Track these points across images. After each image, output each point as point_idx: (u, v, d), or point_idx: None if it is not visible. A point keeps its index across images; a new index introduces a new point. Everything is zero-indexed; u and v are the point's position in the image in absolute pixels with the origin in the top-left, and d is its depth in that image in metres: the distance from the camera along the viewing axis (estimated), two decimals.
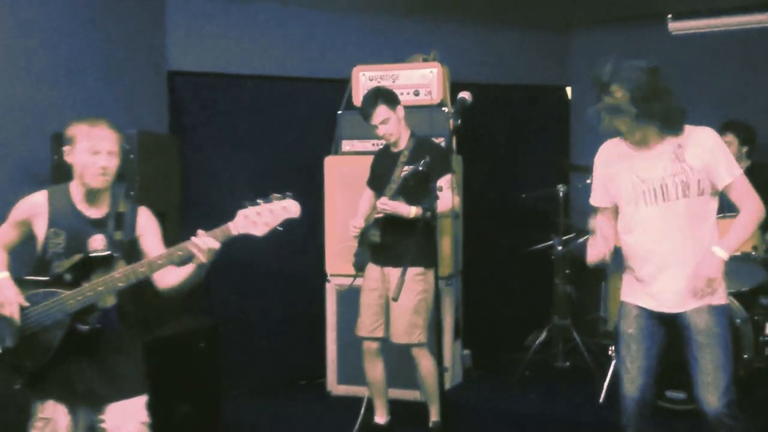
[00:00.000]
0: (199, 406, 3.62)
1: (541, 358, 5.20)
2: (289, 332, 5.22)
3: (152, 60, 4.81)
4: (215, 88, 5.15)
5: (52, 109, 3.82)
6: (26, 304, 2.52)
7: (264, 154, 5.13)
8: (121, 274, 2.50)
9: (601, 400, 4.55)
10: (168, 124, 4.93)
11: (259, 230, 2.43)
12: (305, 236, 4.97)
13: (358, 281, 4.13)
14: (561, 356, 5.28)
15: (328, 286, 4.85)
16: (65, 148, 2.62)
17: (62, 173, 3.34)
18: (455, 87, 4.44)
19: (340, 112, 4.91)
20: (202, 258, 2.43)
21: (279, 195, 2.47)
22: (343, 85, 4.95)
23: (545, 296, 5.37)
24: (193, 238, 2.44)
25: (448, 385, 4.73)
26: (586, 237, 5.18)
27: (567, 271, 5.23)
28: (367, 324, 4.03)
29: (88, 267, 2.54)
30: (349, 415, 4.20)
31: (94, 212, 2.63)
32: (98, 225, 2.61)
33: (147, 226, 2.71)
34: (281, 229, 2.46)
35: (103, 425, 2.58)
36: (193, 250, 2.43)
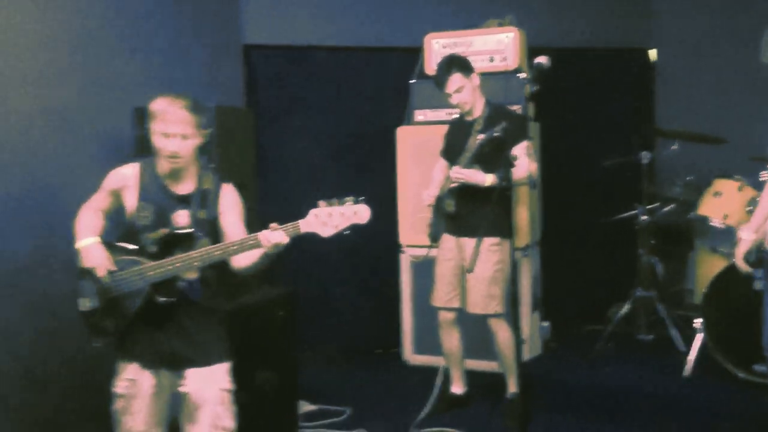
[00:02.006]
0: (277, 374, 3.68)
1: (623, 330, 5.06)
2: (364, 302, 5.26)
3: (228, 34, 4.87)
4: (289, 61, 5.18)
5: (132, 84, 3.90)
6: (114, 268, 2.59)
7: (336, 125, 5.14)
8: (198, 254, 2.55)
9: (686, 374, 4.40)
10: (244, 98, 4.98)
11: (327, 232, 2.47)
12: (378, 207, 4.95)
13: (433, 252, 4.10)
14: (644, 329, 5.13)
15: (402, 256, 4.83)
16: (149, 125, 2.65)
17: (144, 147, 3.43)
18: (532, 52, 4.31)
19: (412, 81, 4.84)
20: (269, 250, 2.49)
21: (352, 198, 2.49)
22: (415, 53, 4.88)
23: (628, 267, 5.21)
24: (264, 231, 2.48)
25: (526, 357, 4.67)
26: (672, 206, 4.99)
27: (652, 242, 5.05)
28: (443, 294, 4.00)
29: (172, 242, 2.61)
30: (425, 385, 4.20)
31: (180, 187, 2.68)
32: (183, 201, 2.66)
33: (229, 204, 2.74)
34: (348, 233, 2.49)
35: (183, 389, 2.65)
36: (261, 242, 2.48)
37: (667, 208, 5.01)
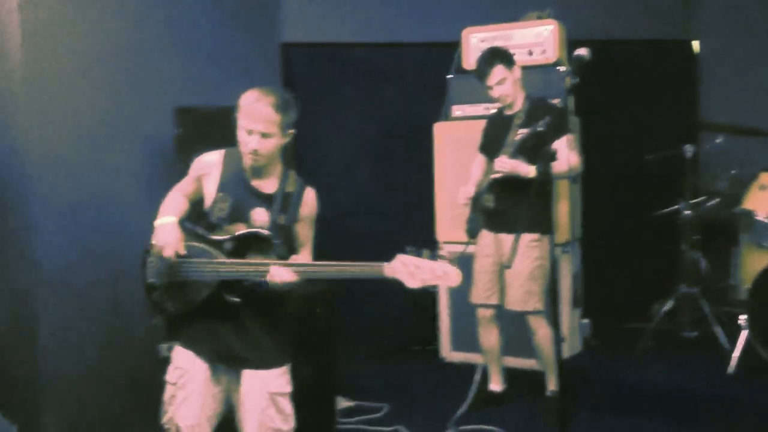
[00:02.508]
0: (316, 370, 3.70)
1: (666, 327, 4.97)
2: (401, 299, 5.23)
3: (266, 33, 4.90)
4: (326, 58, 5.19)
5: (172, 84, 3.96)
6: (184, 252, 2.51)
7: (374, 122, 5.14)
8: (272, 270, 2.43)
9: (730, 371, 4.31)
10: None
11: (412, 283, 2.35)
12: (416, 204, 4.96)
13: (471, 248, 4.07)
14: (688, 326, 5.03)
15: (439, 253, 4.80)
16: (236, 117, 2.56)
17: (185, 146, 3.48)
18: (571, 45, 4.26)
19: (449, 76, 4.81)
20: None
21: (445, 256, 2.36)
22: (452, 48, 4.85)
23: (671, 263, 5.11)
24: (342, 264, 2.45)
25: (566, 355, 4.62)
26: (716, 200, 4.89)
27: (695, 237, 4.95)
28: (481, 291, 3.97)
29: (248, 242, 2.52)
30: (462, 382, 4.18)
31: (262, 185, 2.58)
32: (264, 199, 2.57)
33: (307, 212, 2.64)
34: (433, 290, 2.38)
35: (238, 390, 2.60)
36: (357, 271, 2.47)
37: (711, 203, 4.91)
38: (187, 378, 2.57)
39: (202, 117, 3.60)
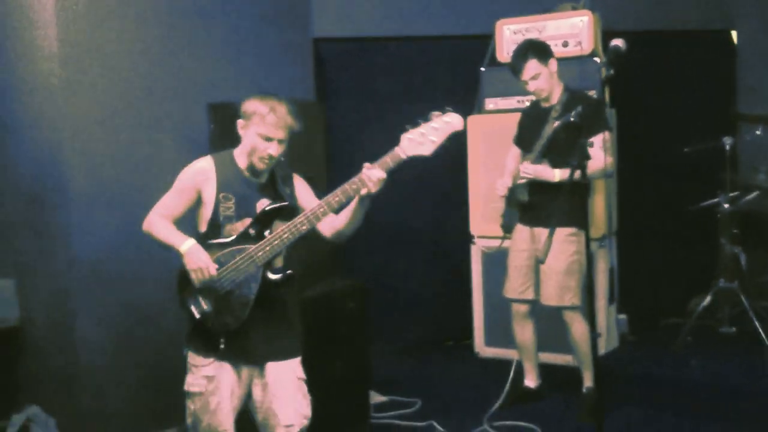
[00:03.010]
0: (349, 365, 3.71)
1: (704, 323, 4.89)
2: (435, 293, 5.24)
3: (298, 28, 4.91)
4: (358, 52, 5.18)
5: (207, 80, 3.98)
6: (216, 266, 2.56)
7: (406, 116, 5.07)
8: (303, 217, 2.54)
9: None
10: (314, 91, 5.02)
11: (428, 149, 2.45)
12: (449, 198, 4.93)
13: (506, 242, 4.04)
14: (727, 321, 4.95)
15: (473, 247, 4.79)
16: (240, 121, 2.63)
17: (220, 142, 3.50)
18: (607, 36, 4.19)
19: (483, 69, 4.78)
20: (373, 189, 2.47)
21: (438, 112, 2.46)
22: (486, 41, 4.82)
23: (709, 258, 5.02)
24: (363, 172, 2.48)
25: (602, 351, 4.56)
26: (755, 193, 4.79)
27: (734, 231, 4.85)
28: (516, 286, 3.94)
29: (268, 219, 2.60)
30: (497, 378, 4.15)
31: (258, 178, 2.69)
32: (264, 189, 2.67)
33: (303, 188, 2.78)
34: (447, 144, 2.46)
35: (263, 382, 2.66)
36: (364, 182, 2.47)
37: (750, 196, 4.81)
38: (214, 385, 2.63)
39: (236, 113, 3.60)
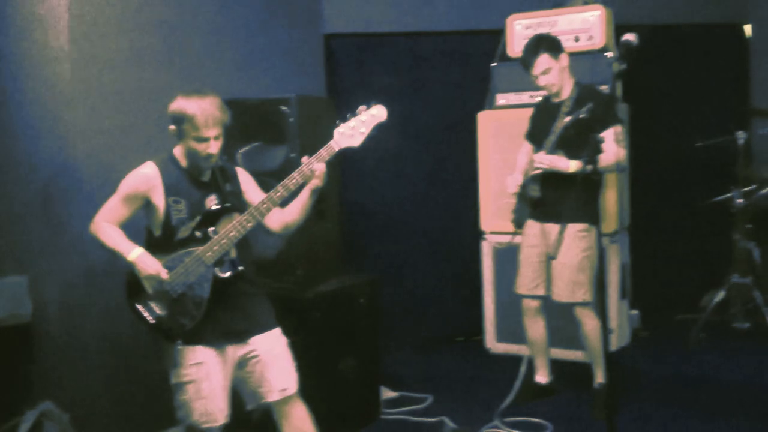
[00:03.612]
0: (359, 360, 3.71)
1: (717, 319, 4.86)
2: (445, 289, 5.23)
3: (310, 24, 4.91)
4: (369, 48, 5.18)
5: (217, 76, 3.99)
6: (166, 271, 2.65)
7: (417, 111, 5.12)
8: (248, 215, 2.64)
9: None
10: (325, 87, 5.02)
11: (357, 141, 2.67)
12: (459, 193, 4.92)
13: (517, 238, 4.02)
14: (740, 317, 4.90)
15: (483, 243, 4.78)
16: (171, 127, 2.67)
17: (232, 138, 3.49)
18: (619, 30, 4.16)
19: (494, 64, 4.76)
20: (320, 182, 2.64)
21: (364, 106, 2.68)
22: (496, 36, 4.80)
23: (722, 253, 4.99)
24: (302, 166, 2.62)
25: (614, 346, 4.55)
26: None
27: (748, 226, 4.82)
28: (527, 282, 3.93)
29: (212, 220, 2.68)
30: (507, 374, 4.14)
31: (203, 176, 2.75)
32: (210, 187, 2.73)
33: (247, 180, 2.86)
34: (374, 133, 2.68)
35: (251, 354, 2.74)
36: (309, 176, 2.62)
37: (764, 191, 4.77)
38: (204, 371, 2.69)
39: (248, 109, 3.62)
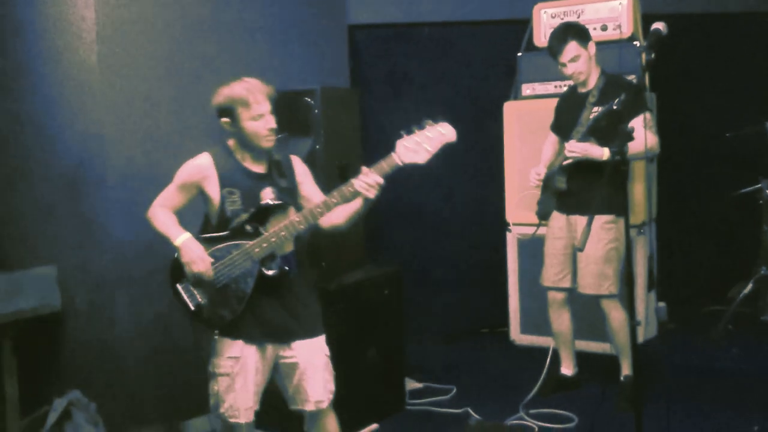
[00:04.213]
0: (384, 351, 3.72)
1: (745, 311, 4.80)
2: (469, 280, 5.22)
3: (334, 15, 4.90)
4: (393, 39, 5.17)
5: (242, 67, 3.98)
6: (211, 260, 2.64)
7: (441, 102, 5.10)
8: (301, 216, 2.60)
9: None
10: (349, 78, 5.01)
11: (422, 157, 2.52)
12: (485, 184, 4.90)
13: (542, 230, 4.00)
14: None
15: (508, 235, 4.75)
16: (224, 120, 2.65)
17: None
18: (647, 19, 4.11)
19: (520, 54, 4.72)
20: (371, 195, 2.54)
21: (432, 121, 2.54)
22: (522, 25, 4.76)
23: (751, 245, 4.92)
24: (360, 176, 2.54)
25: (640, 339, 4.50)
26: None
27: None
28: (552, 274, 3.90)
29: (265, 216, 2.65)
30: (532, 366, 4.12)
31: (258, 167, 2.72)
32: (265, 178, 2.70)
33: (303, 173, 2.82)
34: (439, 154, 2.55)
35: (291, 360, 2.72)
36: (360, 189, 2.53)
37: None
38: (241, 365, 2.68)
39: (273, 100, 3.62)
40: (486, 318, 5.14)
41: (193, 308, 2.69)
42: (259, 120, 2.61)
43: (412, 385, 4.12)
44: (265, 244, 2.61)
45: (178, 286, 2.71)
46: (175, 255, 2.69)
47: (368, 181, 2.51)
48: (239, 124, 2.63)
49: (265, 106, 2.62)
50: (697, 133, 5.13)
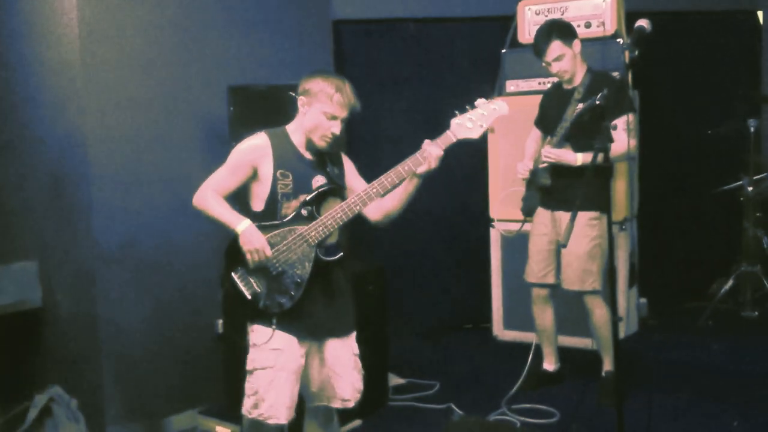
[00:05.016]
0: (367, 347, 3.70)
1: (726, 307, 4.85)
2: (453, 277, 5.23)
3: (317, 10, 4.87)
4: (378, 35, 5.14)
5: (226, 62, 3.97)
6: (269, 247, 2.56)
7: (426, 98, 5.09)
8: (357, 197, 2.57)
9: None
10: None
11: (476, 133, 2.60)
12: (469, 181, 4.90)
13: (526, 226, 4.01)
14: (749, 305, 4.90)
15: (492, 231, 4.76)
16: (302, 98, 2.62)
17: (239, 124, 3.50)
18: (630, 16, 4.13)
19: (504, 50, 4.73)
20: (433, 164, 2.56)
21: (484, 99, 2.61)
22: (507, 22, 4.76)
23: (731, 241, 4.98)
24: (423, 149, 2.55)
25: (622, 334, 4.54)
26: None
27: (757, 214, 4.79)
28: (537, 270, 3.92)
29: (320, 200, 2.62)
30: (516, 361, 4.14)
31: (311, 155, 2.69)
32: (318, 166, 2.67)
33: (351, 167, 2.80)
34: (493, 131, 2.57)
35: (322, 356, 2.67)
36: (424, 159, 2.54)
37: None
38: (283, 359, 2.58)
39: (255, 95, 3.62)
40: (469, 314, 5.16)
41: (249, 297, 2.59)
42: (331, 121, 2.58)
43: (395, 380, 4.12)
44: (321, 228, 2.56)
45: (234, 275, 2.60)
46: (230, 242, 2.59)
47: (432, 152, 2.53)
48: (311, 110, 2.60)
49: (343, 113, 2.60)
50: (680, 130, 5.16)
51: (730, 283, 4.79)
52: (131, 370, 3.57)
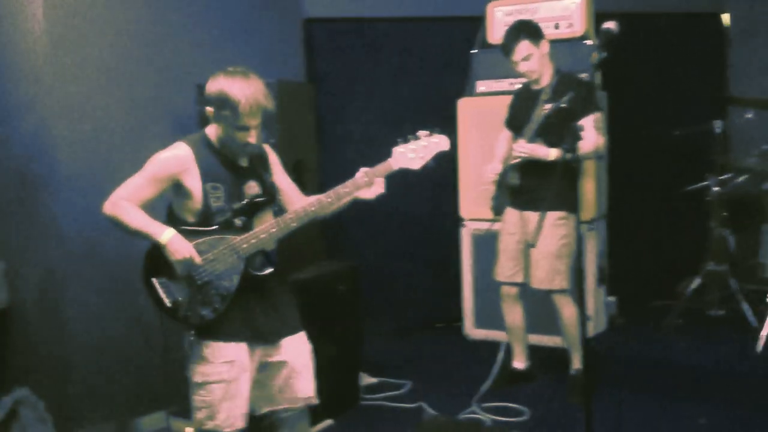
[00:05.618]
0: (339, 347, 3.71)
1: (693, 305, 4.92)
2: (425, 276, 5.25)
3: (289, 8, 4.86)
4: (349, 33, 5.14)
5: (194, 60, 3.94)
6: (198, 256, 2.47)
7: (397, 97, 5.11)
8: (294, 214, 2.53)
9: (758, 350, 4.25)
10: (305, 72, 4.98)
11: (416, 165, 2.61)
12: (439, 180, 4.92)
13: (496, 225, 4.04)
14: (716, 304, 4.97)
15: (463, 230, 4.79)
16: (209, 109, 2.47)
17: (208, 123, 3.47)
18: (599, 18, 4.17)
19: (474, 51, 4.75)
20: (371, 196, 2.61)
21: (427, 132, 2.63)
22: (477, 22, 4.78)
23: (699, 241, 5.04)
24: (357, 178, 2.56)
25: (591, 333, 4.59)
26: (745, 176, 4.80)
27: (724, 214, 4.87)
28: (506, 269, 3.94)
29: (252, 211, 2.55)
30: (486, 360, 4.17)
31: (239, 161, 2.58)
32: (248, 172, 2.58)
33: (276, 163, 2.74)
34: (433, 164, 2.64)
35: (279, 358, 2.62)
36: (360, 193, 2.58)
37: (740, 179, 4.82)
38: (236, 370, 2.52)
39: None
40: (441, 312, 5.17)
41: (169, 305, 2.49)
42: (241, 132, 2.43)
43: (366, 380, 4.12)
44: (254, 240, 2.49)
45: (154, 281, 2.50)
46: (149, 249, 2.49)
47: (366, 181, 2.56)
48: (222, 123, 2.47)
49: (254, 121, 2.43)
50: (647, 130, 5.22)
51: (698, 282, 4.85)
52: (100, 371, 3.53)
